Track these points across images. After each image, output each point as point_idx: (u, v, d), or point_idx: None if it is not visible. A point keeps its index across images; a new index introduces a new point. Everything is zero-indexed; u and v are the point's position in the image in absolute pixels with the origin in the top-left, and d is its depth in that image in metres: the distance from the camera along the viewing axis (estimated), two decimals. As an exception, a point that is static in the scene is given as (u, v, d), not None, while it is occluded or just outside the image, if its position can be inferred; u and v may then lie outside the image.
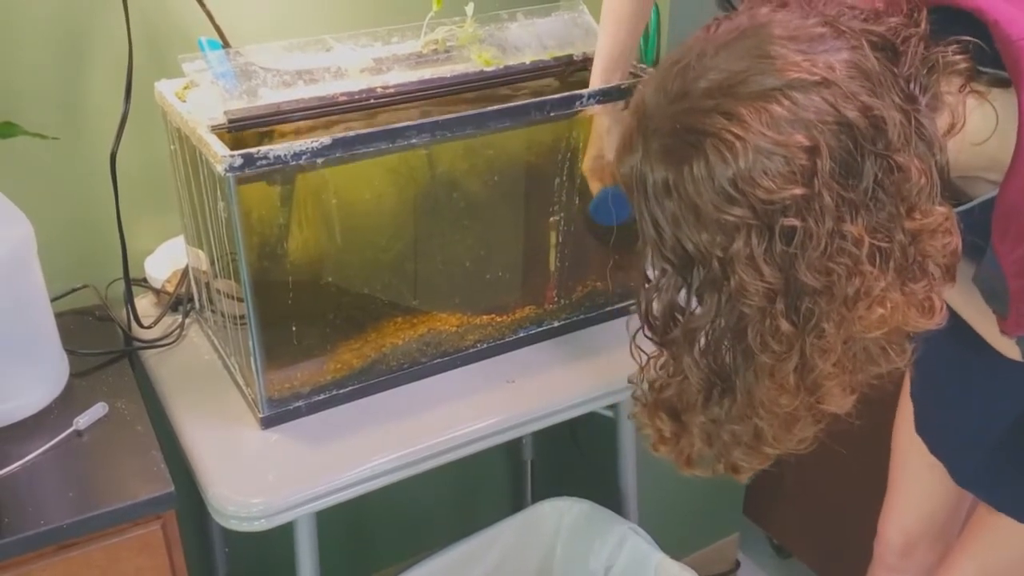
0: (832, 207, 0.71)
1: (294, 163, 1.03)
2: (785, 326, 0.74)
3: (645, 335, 0.85)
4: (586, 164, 1.22)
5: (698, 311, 0.79)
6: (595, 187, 1.22)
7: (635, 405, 0.91)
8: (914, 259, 0.75)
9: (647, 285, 0.82)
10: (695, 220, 0.74)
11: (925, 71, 0.76)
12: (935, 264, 0.76)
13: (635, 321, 0.85)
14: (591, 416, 1.32)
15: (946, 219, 0.75)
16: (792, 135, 0.70)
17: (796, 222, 0.71)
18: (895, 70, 0.74)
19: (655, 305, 0.82)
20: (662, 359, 0.86)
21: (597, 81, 1.19)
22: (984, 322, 0.91)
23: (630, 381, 0.92)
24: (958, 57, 0.77)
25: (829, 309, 0.74)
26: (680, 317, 0.81)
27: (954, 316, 0.95)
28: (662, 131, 0.75)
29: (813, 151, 0.70)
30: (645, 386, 0.89)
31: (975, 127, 0.78)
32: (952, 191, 0.79)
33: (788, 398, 0.78)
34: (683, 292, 0.80)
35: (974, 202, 0.83)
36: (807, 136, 0.70)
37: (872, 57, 0.74)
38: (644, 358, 0.88)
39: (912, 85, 0.75)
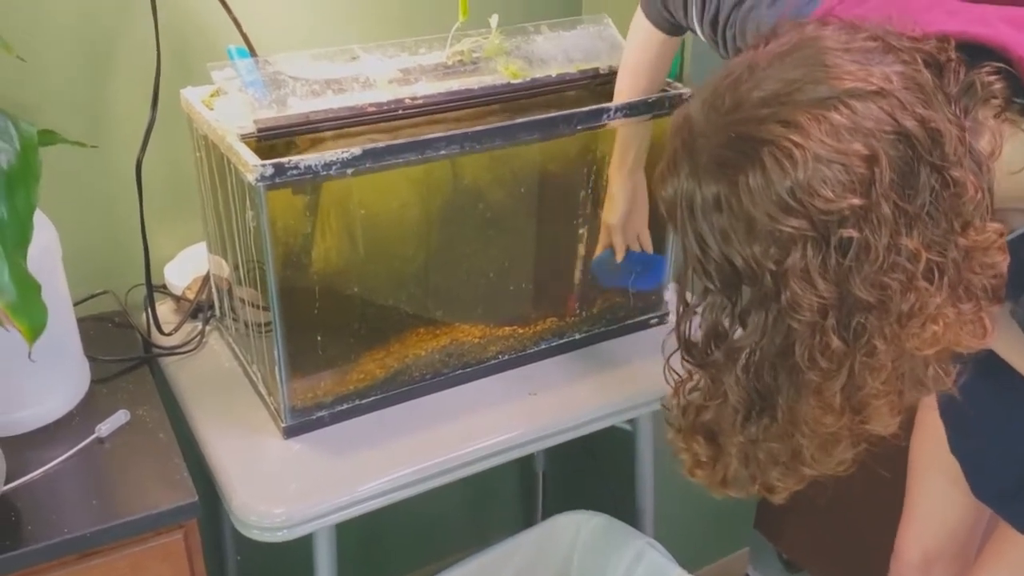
0: (890, 218, 0.70)
1: (324, 173, 1.03)
2: (836, 343, 0.72)
3: (684, 359, 0.83)
4: (613, 164, 1.23)
5: (742, 331, 0.77)
6: (618, 191, 1.22)
7: (669, 431, 0.88)
8: (965, 278, 0.74)
9: (686, 307, 0.81)
10: (747, 233, 0.72)
11: (965, 93, 0.76)
12: (982, 285, 0.75)
13: (671, 343, 0.83)
14: (608, 429, 1.31)
15: (1000, 236, 0.74)
16: (851, 143, 0.69)
17: (854, 233, 0.70)
18: (944, 89, 0.74)
19: (696, 327, 0.80)
20: (698, 382, 0.84)
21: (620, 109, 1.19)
22: None
23: (663, 406, 0.90)
24: (993, 78, 0.77)
25: (881, 325, 0.72)
26: (722, 339, 0.79)
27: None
28: (713, 143, 0.74)
29: (872, 160, 0.69)
30: (679, 411, 0.86)
31: (1010, 156, 0.77)
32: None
33: (833, 417, 0.76)
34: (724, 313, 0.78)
35: (1015, 233, 0.82)
36: (866, 145, 0.69)
37: (925, 72, 0.73)
38: (677, 381, 0.86)
39: (955, 106, 0.74)
